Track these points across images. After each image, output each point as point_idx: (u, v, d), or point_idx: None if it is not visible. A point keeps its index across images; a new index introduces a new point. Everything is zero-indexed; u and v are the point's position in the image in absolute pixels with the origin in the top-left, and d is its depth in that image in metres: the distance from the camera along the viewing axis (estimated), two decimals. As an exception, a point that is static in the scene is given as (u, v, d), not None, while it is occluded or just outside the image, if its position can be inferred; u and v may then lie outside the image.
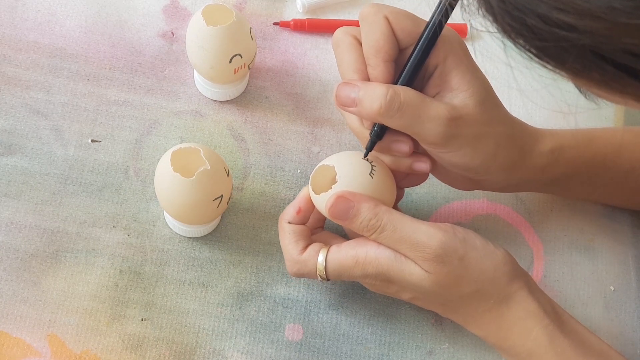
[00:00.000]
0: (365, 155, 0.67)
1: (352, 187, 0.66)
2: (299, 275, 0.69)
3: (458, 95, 0.64)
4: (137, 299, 0.71)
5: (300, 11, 0.86)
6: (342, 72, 0.66)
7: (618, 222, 0.79)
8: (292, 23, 0.85)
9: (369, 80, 0.65)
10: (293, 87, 0.82)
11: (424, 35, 0.63)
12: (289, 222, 0.69)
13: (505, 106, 0.68)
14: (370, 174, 0.66)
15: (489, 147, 0.66)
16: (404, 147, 0.66)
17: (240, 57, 0.75)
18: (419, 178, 0.71)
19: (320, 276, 0.68)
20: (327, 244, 0.69)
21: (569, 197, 0.79)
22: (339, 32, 0.66)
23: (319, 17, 0.86)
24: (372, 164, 0.67)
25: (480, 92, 0.65)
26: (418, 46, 0.63)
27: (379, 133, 0.65)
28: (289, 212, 0.69)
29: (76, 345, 0.69)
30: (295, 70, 0.83)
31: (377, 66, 0.64)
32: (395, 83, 0.64)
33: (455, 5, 0.60)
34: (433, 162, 0.68)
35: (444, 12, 0.61)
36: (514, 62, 0.93)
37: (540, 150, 0.69)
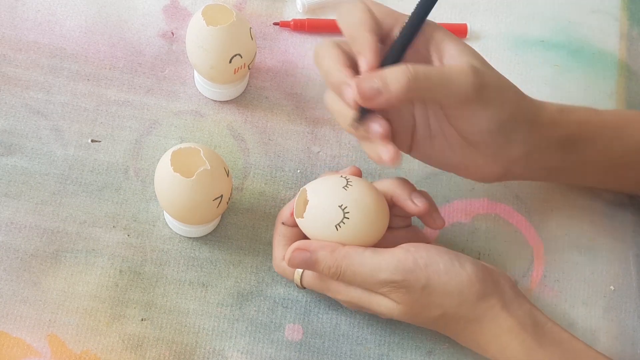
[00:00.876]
0: (356, 121, 0.65)
1: (317, 229, 0.66)
2: (281, 274, 0.71)
3: (461, 59, 0.64)
4: (137, 299, 0.71)
5: (300, 11, 0.86)
6: (330, 70, 0.64)
7: (619, 221, 0.79)
8: (292, 23, 0.85)
9: (357, 74, 0.64)
10: (293, 87, 0.82)
11: (418, 6, 0.64)
12: (283, 223, 0.70)
13: None
14: (337, 225, 0.66)
15: (512, 96, 0.66)
16: (378, 127, 0.64)
17: (240, 57, 0.75)
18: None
19: (298, 285, 0.70)
20: None
21: (586, 178, 0.76)
22: (316, 46, 0.67)
23: (319, 17, 0.86)
24: (346, 212, 0.65)
25: (478, 55, 0.66)
26: (413, 14, 0.64)
27: (362, 113, 0.64)
28: (285, 212, 0.70)
29: (76, 345, 0.69)
30: (295, 70, 0.83)
31: (365, 38, 0.63)
32: (391, 60, 0.64)
33: None
34: (452, 153, 0.68)
35: None
36: (515, 62, 0.93)
37: (549, 109, 0.69)
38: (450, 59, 0.65)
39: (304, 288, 0.70)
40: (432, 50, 0.65)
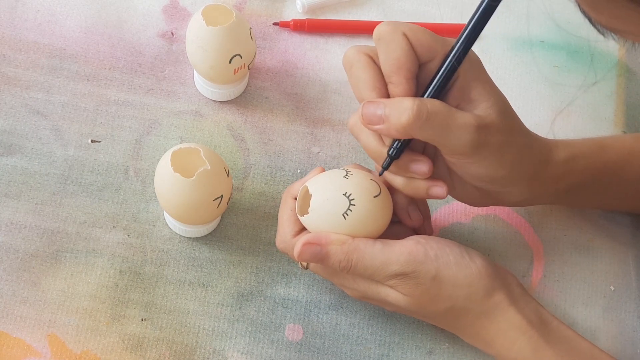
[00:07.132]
0: (381, 174, 0.66)
1: (325, 221, 0.65)
2: (283, 252, 0.70)
3: (479, 106, 0.63)
4: (137, 299, 0.71)
5: (300, 11, 0.86)
6: (359, 91, 0.65)
7: (617, 222, 0.79)
8: (291, 23, 0.85)
9: (388, 97, 0.64)
10: (293, 87, 0.82)
11: (455, 51, 0.62)
12: (295, 198, 0.68)
13: None
14: (345, 214, 0.65)
15: (513, 157, 0.65)
16: (423, 167, 0.65)
17: (240, 58, 0.75)
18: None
19: (302, 266, 0.69)
20: None
21: (581, 207, 0.79)
22: (351, 51, 0.65)
23: (318, 17, 0.86)
24: (351, 200, 0.65)
25: (500, 103, 0.64)
26: (447, 61, 0.63)
27: (397, 152, 0.64)
28: (294, 188, 0.69)
29: (76, 345, 0.69)
30: (295, 71, 0.83)
31: (400, 84, 0.63)
32: (421, 97, 0.64)
33: (485, 25, 0.62)
34: (450, 182, 0.68)
35: (476, 30, 0.62)
36: (515, 62, 0.93)
37: (555, 161, 0.69)
38: (467, 104, 0.64)
39: (307, 269, 0.69)
40: (456, 86, 0.64)
